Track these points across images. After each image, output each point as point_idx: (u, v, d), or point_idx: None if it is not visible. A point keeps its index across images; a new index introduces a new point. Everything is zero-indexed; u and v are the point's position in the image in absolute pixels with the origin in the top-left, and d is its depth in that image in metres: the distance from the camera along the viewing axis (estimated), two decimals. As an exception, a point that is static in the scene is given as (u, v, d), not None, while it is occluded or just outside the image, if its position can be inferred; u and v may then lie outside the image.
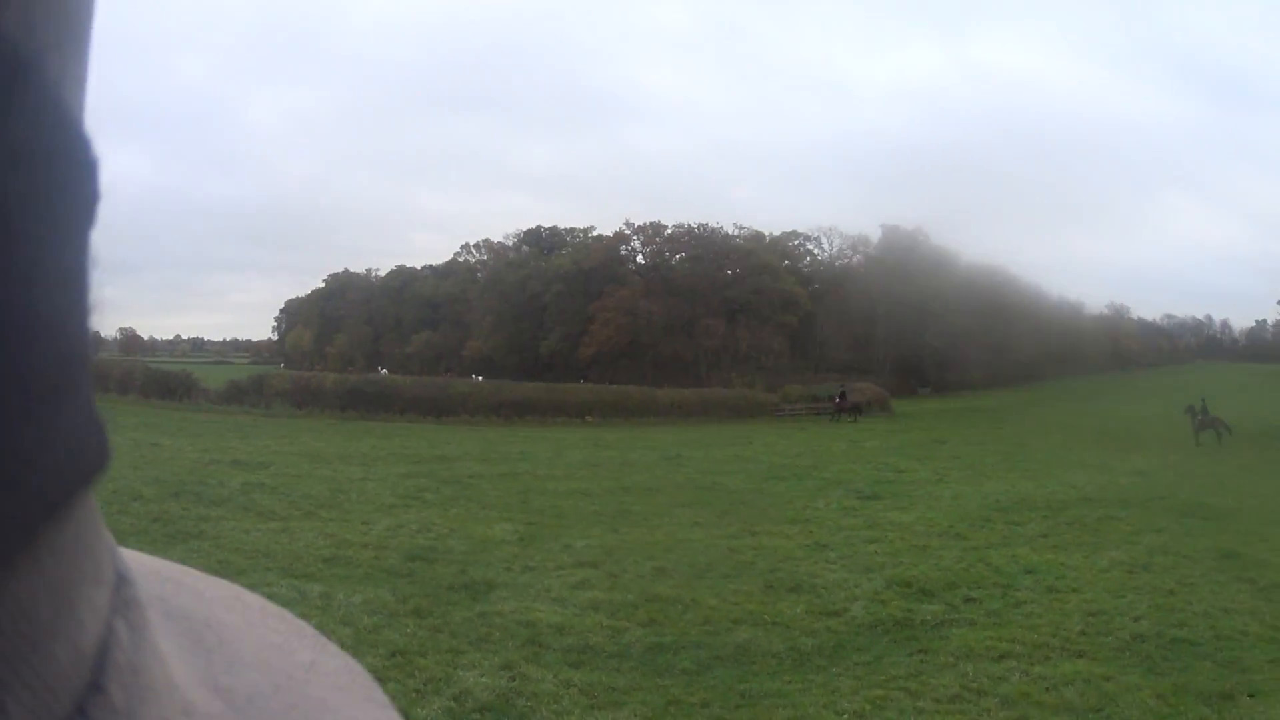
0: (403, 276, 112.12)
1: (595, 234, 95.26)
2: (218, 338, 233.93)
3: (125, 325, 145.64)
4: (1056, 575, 12.70)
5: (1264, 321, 47.63)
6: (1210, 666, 9.08)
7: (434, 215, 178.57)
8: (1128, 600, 11.47)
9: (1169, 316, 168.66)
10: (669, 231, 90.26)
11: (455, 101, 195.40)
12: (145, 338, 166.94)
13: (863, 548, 14.64)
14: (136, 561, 0.46)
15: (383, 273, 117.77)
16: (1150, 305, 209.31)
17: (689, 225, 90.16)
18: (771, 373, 76.65)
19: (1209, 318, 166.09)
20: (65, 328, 0.28)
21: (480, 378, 71.47)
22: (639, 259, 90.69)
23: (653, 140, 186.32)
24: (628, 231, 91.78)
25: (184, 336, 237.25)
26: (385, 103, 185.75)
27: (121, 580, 0.39)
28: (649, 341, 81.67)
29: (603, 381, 67.71)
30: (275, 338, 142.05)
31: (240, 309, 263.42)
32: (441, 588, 11.01)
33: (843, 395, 55.67)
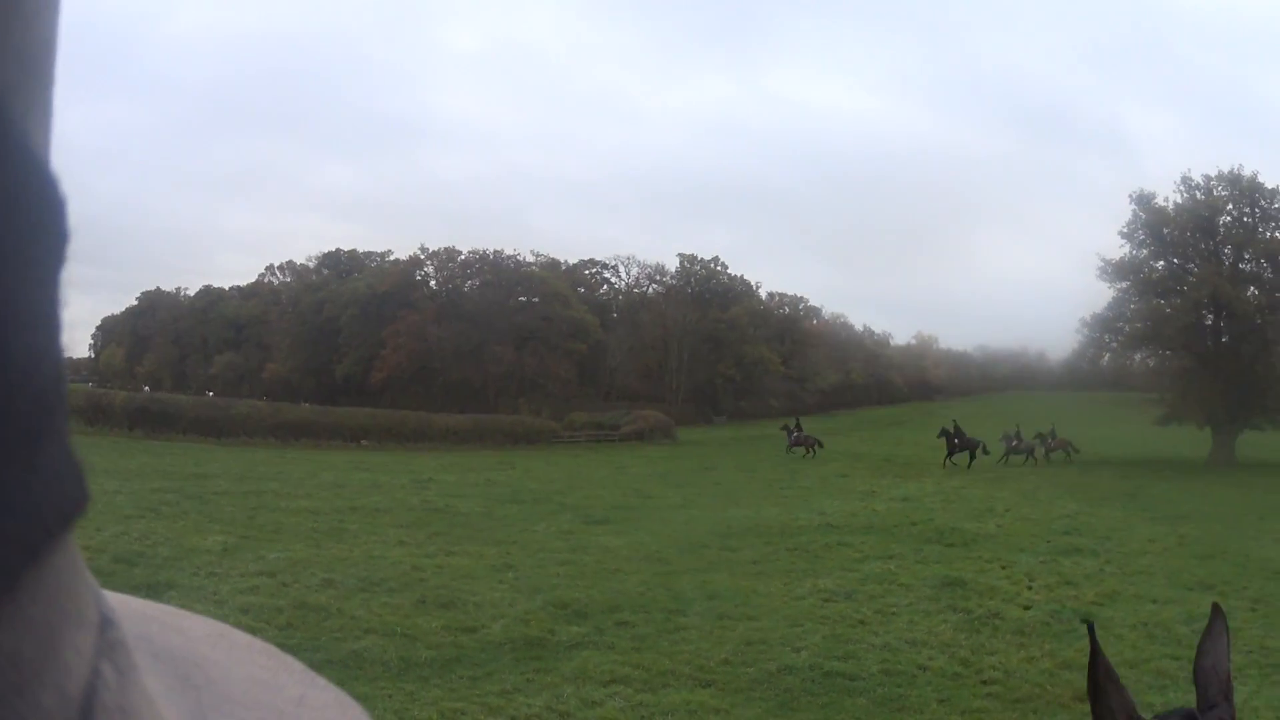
0: (209, 296, 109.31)
1: (393, 258, 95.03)
2: None
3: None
4: (738, 602, 13.31)
5: (1091, 350, 51.14)
6: (863, 703, 9.48)
7: (241, 236, 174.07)
8: (802, 630, 12.01)
9: (982, 347, 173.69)
10: (462, 257, 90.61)
11: (254, 121, 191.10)
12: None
13: (548, 569, 15.34)
14: (120, 603, 0.46)
15: (192, 292, 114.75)
16: (963, 337, 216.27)
17: (484, 251, 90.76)
18: (559, 400, 77.29)
19: (1024, 349, 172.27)
20: (39, 368, 0.25)
21: (265, 399, 70.31)
22: (432, 284, 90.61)
23: (450, 165, 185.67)
24: (422, 256, 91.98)
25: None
26: (188, 120, 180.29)
27: (106, 622, 0.38)
28: (439, 367, 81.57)
29: (395, 406, 67.36)
30: (91, 355, 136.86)
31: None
32: (125, 587, 11.85)
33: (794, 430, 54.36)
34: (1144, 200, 52.38)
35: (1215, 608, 1.87)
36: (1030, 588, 15.01)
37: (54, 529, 0.30)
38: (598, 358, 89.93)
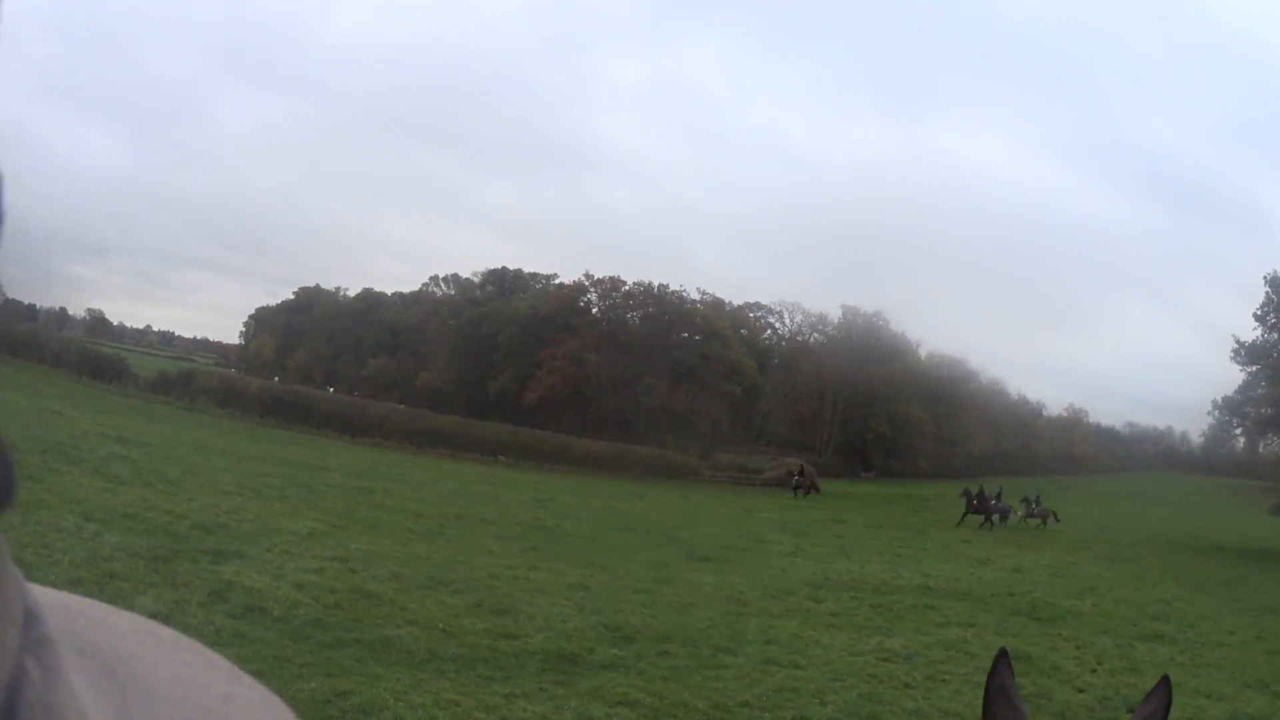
0: (369, 299, 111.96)
1: (557, 281, 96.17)
2: (189, 334, 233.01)
3: (94, 307, 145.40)
4: (793, 649, 13.17)
5: (1221, 434, 50.50)
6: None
7: (401, 243, 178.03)
8: (842, 684, 11.80)
9: (1131, 424, 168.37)
10: (626, 288, 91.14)
11: (416, 133, 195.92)
12: (114, 323, 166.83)
13: (622, 595, 15.43)
14: (45, 596, 0.45)
15: (352, 293, 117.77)
16: (1111, 412, 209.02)
17: (648, 283, 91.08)
18: (707, 439, 77.39)
19: (1170, 428, 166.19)
20: None
21: (415, 406, 72.00)
22: (594, 311, 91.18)
23: (613, 194, 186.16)
24: (586, 283, 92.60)
25: (155, 328, 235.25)
26: (349, 124, 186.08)
27: (31, 617, 0.38)
28: (593, 394, 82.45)
29: (545, 428, 68.23)
30: (242, 343, 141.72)
31: (212, 309, 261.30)
32: (196, 550, 12.50)
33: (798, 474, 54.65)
34: (1278, 283, 50.16)
35: (1164, 680, 1.84)
36: (1095, 671, 14.61)
37: None
38: (751, 401, 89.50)
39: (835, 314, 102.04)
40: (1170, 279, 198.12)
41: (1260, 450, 58.24)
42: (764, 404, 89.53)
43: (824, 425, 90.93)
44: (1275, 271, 50.47)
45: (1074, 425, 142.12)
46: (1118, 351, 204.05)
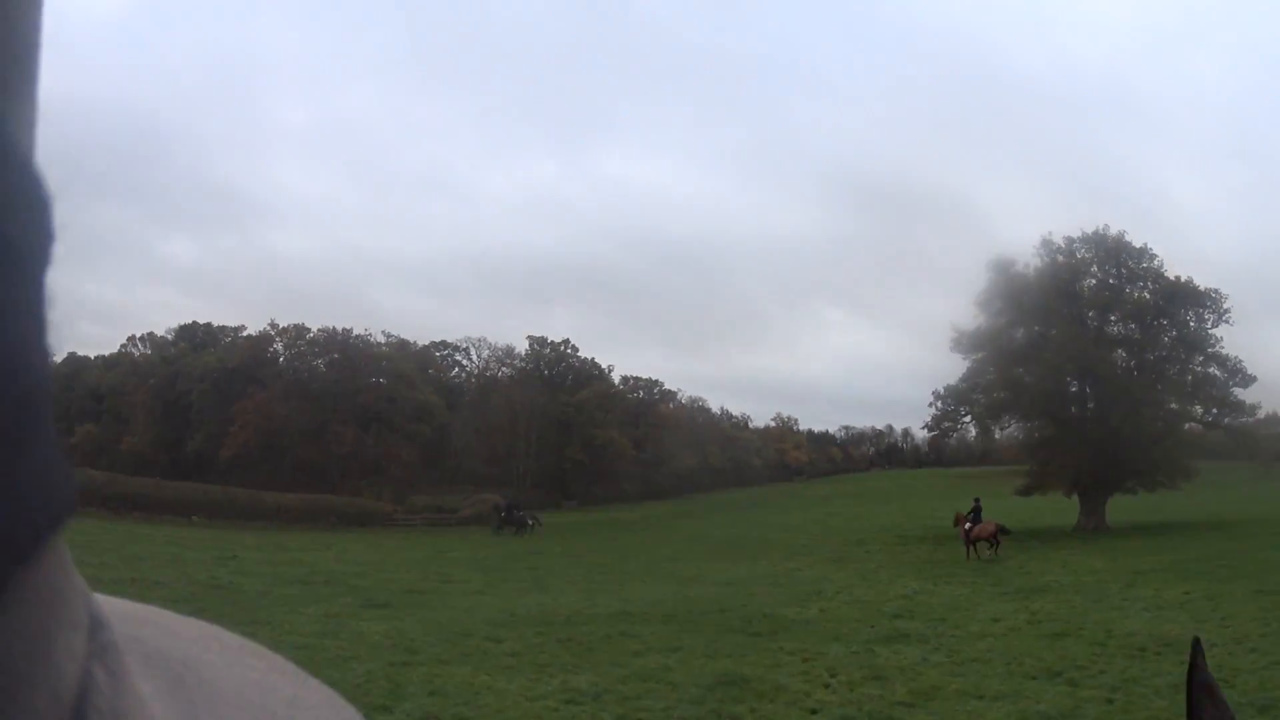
0: (73, 364, 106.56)
1: (246, 333, 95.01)
2: None
3: None
4: (461, 700, 12.32)
5: (948, 424, 49.82)
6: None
7: (100, 304, 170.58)
8: None
9: (846, 428, 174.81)
10: (311, 335, 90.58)
11: (99, 188, 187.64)
12: None
13: (281, 651, 15.17)
14: (110, 605, 0.46)
15: (56, 359, 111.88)
16: (822, 418, 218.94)
17: (333, 329, 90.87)
18: (402, 482, 78.27)
19: (889, 427, 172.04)
20: (26, 369, 0.25)
21: (87, 470, 69.93)
22: (281, 361, 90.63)
23: (298, 243, 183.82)
24: (272, 333, 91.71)
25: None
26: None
27: (97, 624, 0.39)
28: (286, 445, 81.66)
29: (243, 484, 67.10)
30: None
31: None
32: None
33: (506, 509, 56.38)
34: (1002, 267, 50.71)
35: (1195, 643, 1.55)
36: (828, 685, 13.52)
37: (43, 531, 0.30)
38: (444, 440, 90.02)
39: (522, 346, 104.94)
40: (869, 282, 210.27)
41: (997, 436, 56.72)
42: (456, 442, 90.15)
43: (520, 458, 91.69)
44: (999, 255, 51.46)
45: (784, 434, 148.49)
46: (823, 359, 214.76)
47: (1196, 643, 1.56)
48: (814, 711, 12.11)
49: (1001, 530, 33.15)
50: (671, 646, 16.30)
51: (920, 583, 25.87)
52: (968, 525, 34.51)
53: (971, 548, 33.71)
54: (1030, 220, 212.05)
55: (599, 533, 54.55)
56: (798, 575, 28.95)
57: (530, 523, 52.35)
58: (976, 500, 37.27)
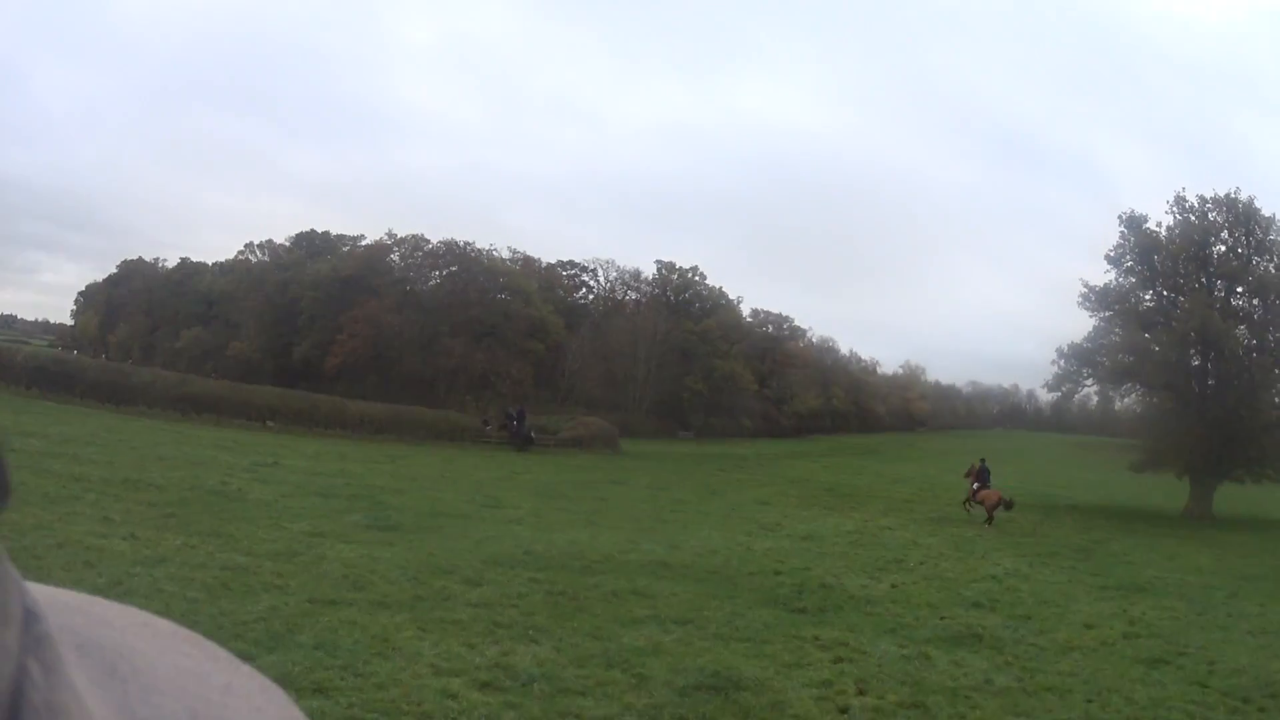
0: (186, 270, 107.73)
1: (366, 243, 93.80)
2: (31, 317, 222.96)
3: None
4: (346, 662, 9.36)
5: (1069, 384, 47.34)
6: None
7: (220, 212, 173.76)
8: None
9: (973, 383, 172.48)
10: (430, 246, 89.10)
11: (226, 100, 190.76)
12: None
13: (210, 571, 12.96)
14: (42, 594, 0.45)
15: (171, 264, 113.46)
16: (950, 371, 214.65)
17: (452, 241, 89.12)
18: (510, 399, 74.33)
19: (1015, 386, 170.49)
20: None
21: (226, 379, 69.58)
22: (396, 271, 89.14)
23: (418, 157, 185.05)
24: (389, 242, 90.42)
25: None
26: (160, 92, 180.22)
27: (30, 616, 0.38)
28: (394, 356, 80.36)
29: (348, 394, 65.72)
30: (73, 322, 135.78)
31: (50, 289, 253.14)
32: None
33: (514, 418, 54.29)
34: (1134, 223, 47.42)
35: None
36: (845, 711, 9.76)
37: None
38: (559, 360, 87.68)
39: (650, 270, 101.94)
40: (1001, 235, 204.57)
41: (1117, 405, 54.63)
42: (571, 362, 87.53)
43: (637, 383, 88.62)
44: (1132, 210, 48.04)
45: (911, 382, 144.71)
46: (956, 309, 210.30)
47: None
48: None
49: (1005, 504, 31.81)
50: (682, 618, 13.03)
51: (1015, 561, 22.76)
52: (975, 485, 34.03)
53: (969, 505, 33.62)
54: (1156, 188, 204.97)
55: (701, 465, 51.87)
56: (886, 536, 25.98)
57: (534, 437, 52.07)
58: (983, 460, 35.88)
